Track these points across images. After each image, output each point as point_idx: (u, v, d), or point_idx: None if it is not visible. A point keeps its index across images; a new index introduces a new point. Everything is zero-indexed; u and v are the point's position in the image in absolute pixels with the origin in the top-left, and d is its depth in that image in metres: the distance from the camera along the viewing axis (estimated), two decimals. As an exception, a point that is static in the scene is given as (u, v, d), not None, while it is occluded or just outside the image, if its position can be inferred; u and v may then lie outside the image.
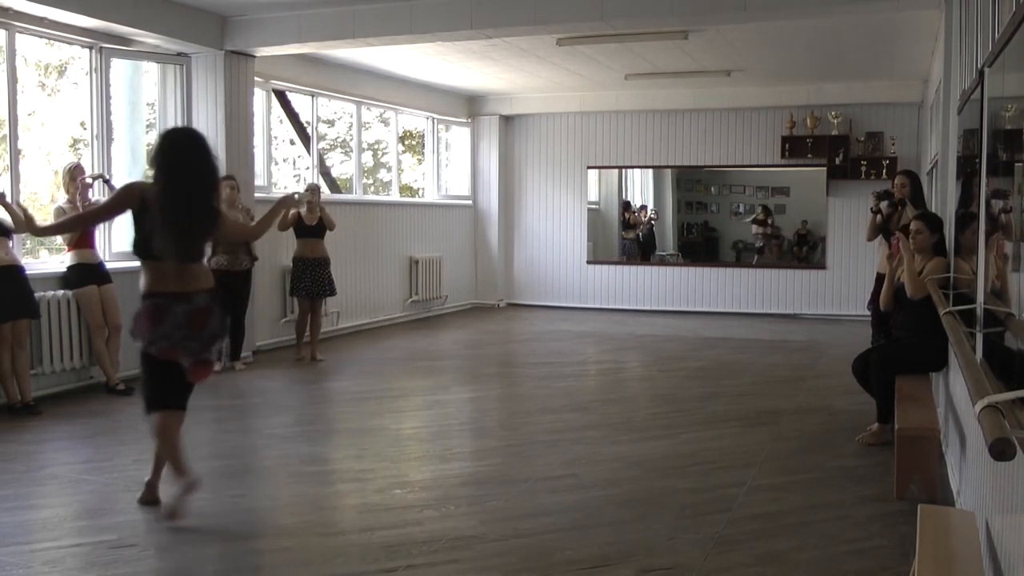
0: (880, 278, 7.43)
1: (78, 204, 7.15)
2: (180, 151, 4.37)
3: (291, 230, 8.96)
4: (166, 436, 4.40)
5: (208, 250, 8.02)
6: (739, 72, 11.06)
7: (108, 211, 4.96)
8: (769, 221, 13.50)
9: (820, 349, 9.95)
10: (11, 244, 6.60)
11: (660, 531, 4.24)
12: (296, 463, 5.51)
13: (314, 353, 9.02)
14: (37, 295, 6.81)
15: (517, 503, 4.66)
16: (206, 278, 4.45)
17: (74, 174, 7.15)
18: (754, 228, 13.61)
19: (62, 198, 7.22)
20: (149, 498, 4.56)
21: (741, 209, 13.78)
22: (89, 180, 7.33)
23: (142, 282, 4.36)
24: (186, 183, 4.30)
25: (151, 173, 4.40)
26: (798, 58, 10.30)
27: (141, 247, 4.35)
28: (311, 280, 8.93)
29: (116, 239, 7.96)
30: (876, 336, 7.53)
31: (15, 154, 7.05)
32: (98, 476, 5.11)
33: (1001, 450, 1.83)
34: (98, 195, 7.53)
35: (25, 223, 5.78)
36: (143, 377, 4.49)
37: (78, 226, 6.20)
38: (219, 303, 4.50)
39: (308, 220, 8.91)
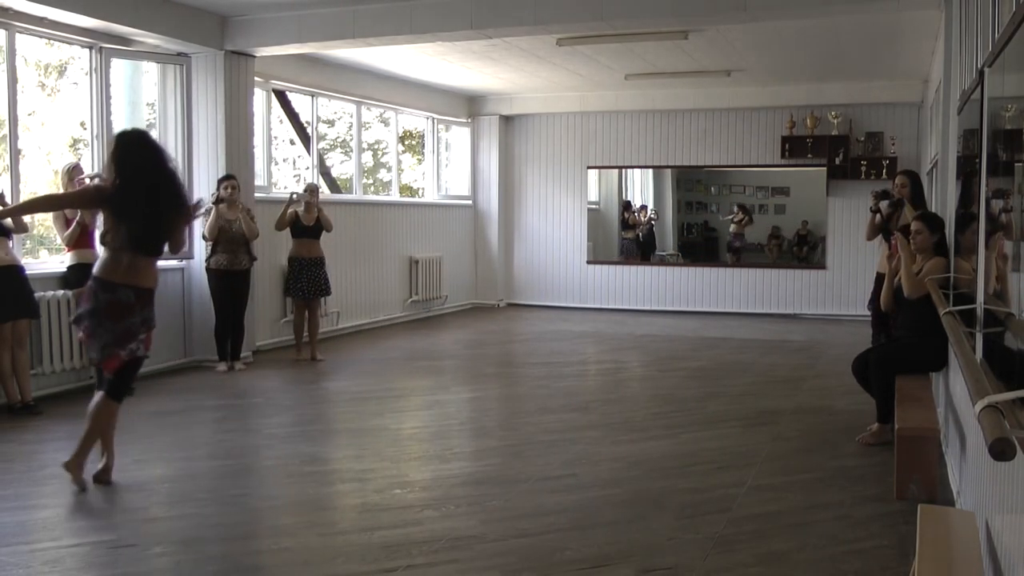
0: (879, 278, 7.43)
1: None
2: (132, 152, 4.78)
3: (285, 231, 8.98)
4: (90, 415, 4.88)
5: (207, 249, 8.16)
6: (739, 72, 11.05)
7: (71, 200, 5.89)
8: (739, 220, 13.53)
9: (820, 349, 9.95)
10: (11, 244, 6.60)
11: (660, 531, 4.24)
12: (296, 463, 5.51)
13: (314, 353, 9.03)
14: (37, 295, 6.81)
15: (517, 503, 4.66)
16: (144, 277, 4.75)
17: (72, 174, 7.16)
18: (732, 227, 13.65)
19: None
20: (102, 477, 4.92)
21: (735, 209, 13.79)
22: (87, 180, 7.33)
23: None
24: (141, 182, 4.71)
25: (109, 174, 4.84)
26: (798, 58, 10.30)
27: (102, 237, 4.82)
28: (308, 280, 8.93)
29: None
30: (876, 336, 7.53)
31: (15, 154, 7.05)
32: (98, 476, 5.10)
33: (1001, 450, 1.83)
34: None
35: None
36: None
37: (45, 207, 6.37)
38: (148, 306, 4.80)
39: (306, 220, 8.91)
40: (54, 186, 8.30)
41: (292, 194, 8.96)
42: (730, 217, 13.72)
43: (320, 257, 9.04)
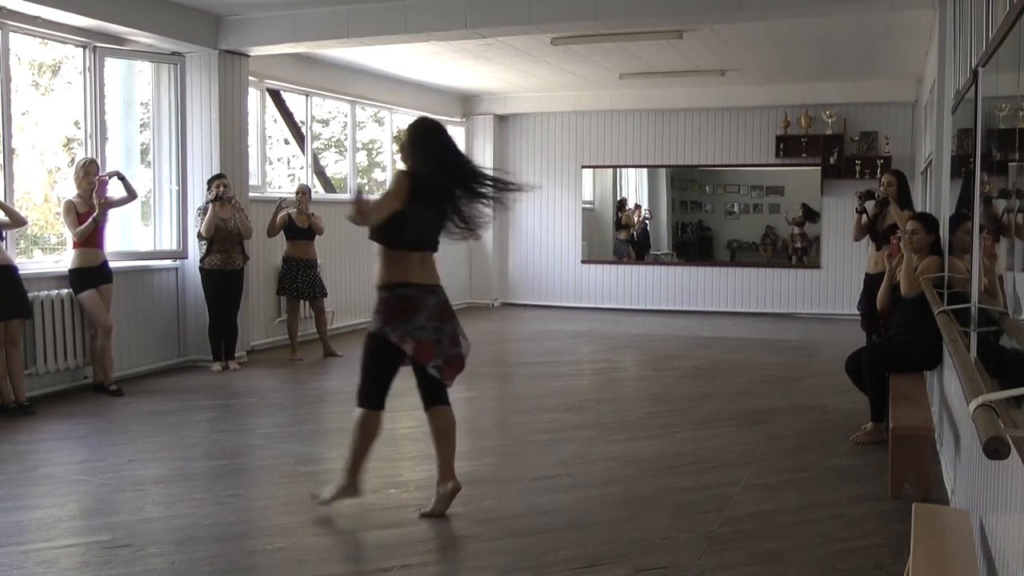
0: (868, 278, 7.43)
1: (93, 200, 7.11)
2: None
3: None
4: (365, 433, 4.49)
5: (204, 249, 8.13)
6: (734, 71, 11.06)
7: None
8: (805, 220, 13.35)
9: (814, 348, 9.96)
10: (3, 245, 6.58)
11: (655, 530, 4.24)
12: (291, 463, 5.50)
13: (330, 350, 9.12)
14: (31, 295, 6.79)
15: (512, 503, 4.66)
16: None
17: (89, 169, 7.13)
18: (795, 229, 13.41)
19: (71, 192, 7.17)
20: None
21: (735, 208, 13.78)
22: (106, 178, 7.30)
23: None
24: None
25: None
26: (792, 57, 10.31)
27: None
28: (305, 281, 8.96)
29: (111, 238, 7.92)
30: (868, 336, 7.54)
31: (8, 153, 7.03)
32: (92, 476, 5.10)
33: (995, 449, 1.84)
34: (112, 192, 7.48)
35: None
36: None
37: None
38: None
39: (299, 222, 8.93)
40: (48, 185, 8.28)
41: (281, 200, 9.01)
42: (791, 219, 13.52)
43: (314, 259, 9.07)
